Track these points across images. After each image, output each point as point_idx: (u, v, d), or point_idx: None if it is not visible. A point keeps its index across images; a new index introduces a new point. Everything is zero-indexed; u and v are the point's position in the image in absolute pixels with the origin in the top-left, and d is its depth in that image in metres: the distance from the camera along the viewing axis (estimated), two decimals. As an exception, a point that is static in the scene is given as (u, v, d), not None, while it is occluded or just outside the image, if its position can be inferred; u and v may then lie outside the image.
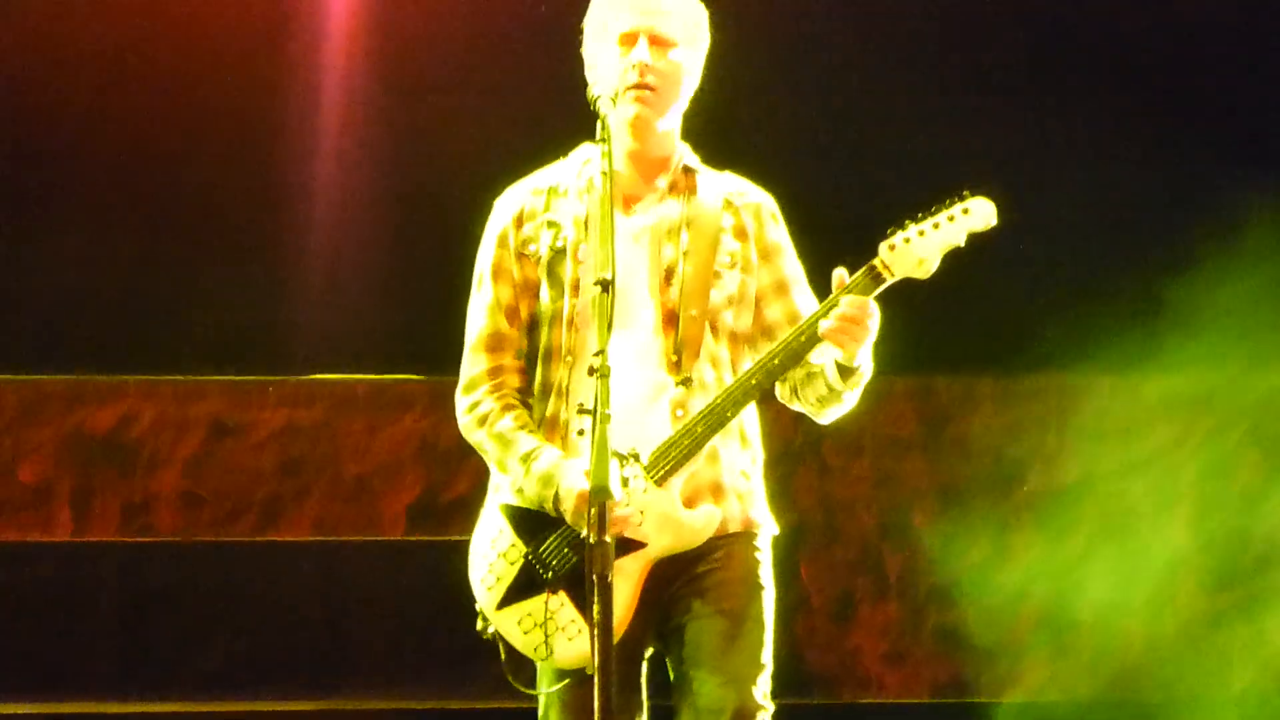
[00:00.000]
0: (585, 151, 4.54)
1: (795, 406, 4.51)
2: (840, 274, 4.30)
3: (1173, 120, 7.46)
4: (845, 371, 4.32)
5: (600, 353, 3.88)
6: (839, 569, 7.54)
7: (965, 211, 4.27)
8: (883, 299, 4.29)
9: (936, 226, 4.27)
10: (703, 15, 4.52)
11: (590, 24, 4.51)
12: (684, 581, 4.34)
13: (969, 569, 7.51)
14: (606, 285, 3.95)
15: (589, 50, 4.51)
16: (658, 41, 4.41)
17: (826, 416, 4.48)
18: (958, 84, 7.50)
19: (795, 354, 4.31)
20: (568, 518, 4.27)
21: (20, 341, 7.58)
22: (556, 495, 4.27)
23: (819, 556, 7.50)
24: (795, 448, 7.50)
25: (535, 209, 4.50)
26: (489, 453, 4.43)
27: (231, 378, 7.56)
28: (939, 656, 7.50)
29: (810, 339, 4.29)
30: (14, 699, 6.82)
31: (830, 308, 4.27)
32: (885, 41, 7.45)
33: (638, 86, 4.38)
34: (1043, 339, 7.42)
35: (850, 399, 4.42)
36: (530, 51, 7.25)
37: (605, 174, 4.14)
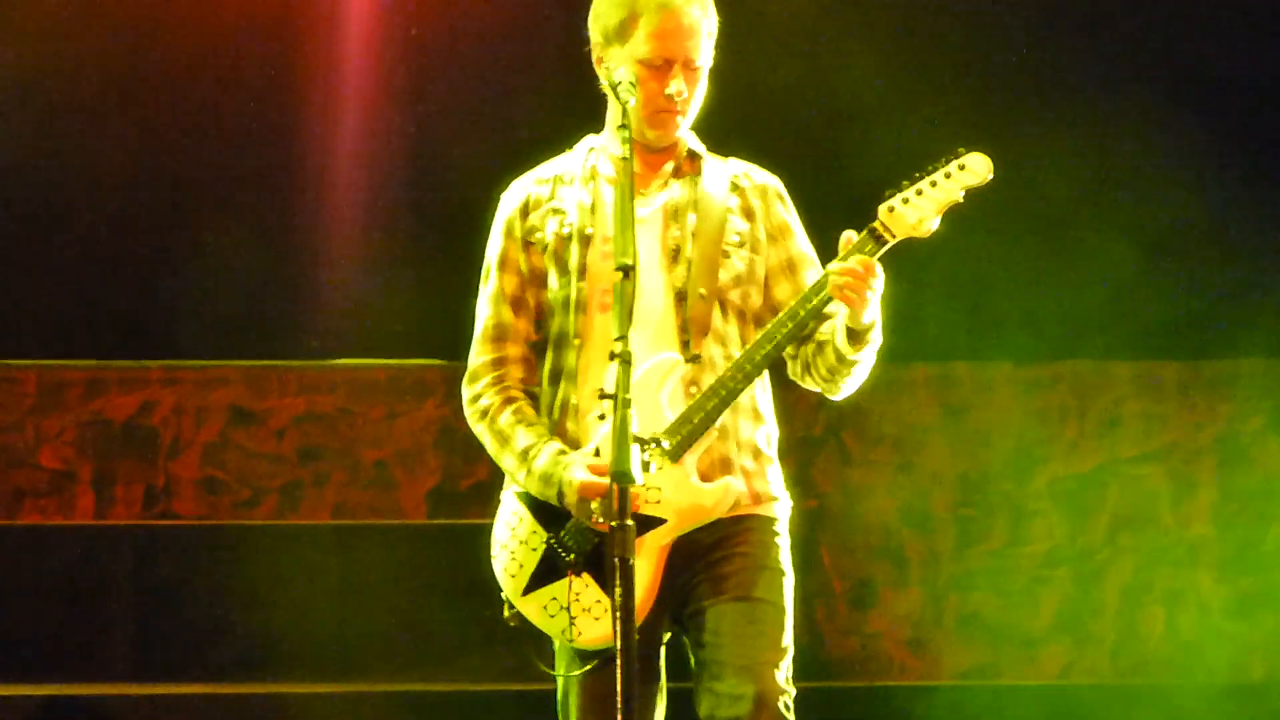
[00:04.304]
0: (589, 142, 4.54)
1: (808, 385, 4.48)
2: (849, 235, 4.26)
3: (1190, 108, 7.46)
4: (855, 336, 4.29)
5: (621, 338, 3.86)
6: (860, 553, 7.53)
7: (961, 167, 4.22)
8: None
9: (934, 185, 4.22)
10: (716, 26, 4.47)
11: (608, 21, 4.39)
12: (703, 566, 4.33)
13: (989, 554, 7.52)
14: (628, 271, 3.92)
15: (603, 47, 4.40)
16: (689, 66, 4.38)
17: (841, 390, 4.43)
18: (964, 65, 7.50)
19: (801, 323, 4.28)
20: (572, 511, 4.28)
21: (41, 328, 7.59)
22: (560, 493, 4.28)
23: (840, 541, 7.49)
24: (816, 434, 7.49)
25: (540, 198, 4.49)
26: (487, 447, 4.45)
27: (251, 363, 7.57)
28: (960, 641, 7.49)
29: (814, 310, 4.27)
30: (33, 681, 6.83)
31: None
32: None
33: (669, 111, 4.37)
34: (1066, 326, 7.42)
35: (862, 369, 4.37)
36: (546, 42, 7.27)
37: (625, 159, 4.11)
